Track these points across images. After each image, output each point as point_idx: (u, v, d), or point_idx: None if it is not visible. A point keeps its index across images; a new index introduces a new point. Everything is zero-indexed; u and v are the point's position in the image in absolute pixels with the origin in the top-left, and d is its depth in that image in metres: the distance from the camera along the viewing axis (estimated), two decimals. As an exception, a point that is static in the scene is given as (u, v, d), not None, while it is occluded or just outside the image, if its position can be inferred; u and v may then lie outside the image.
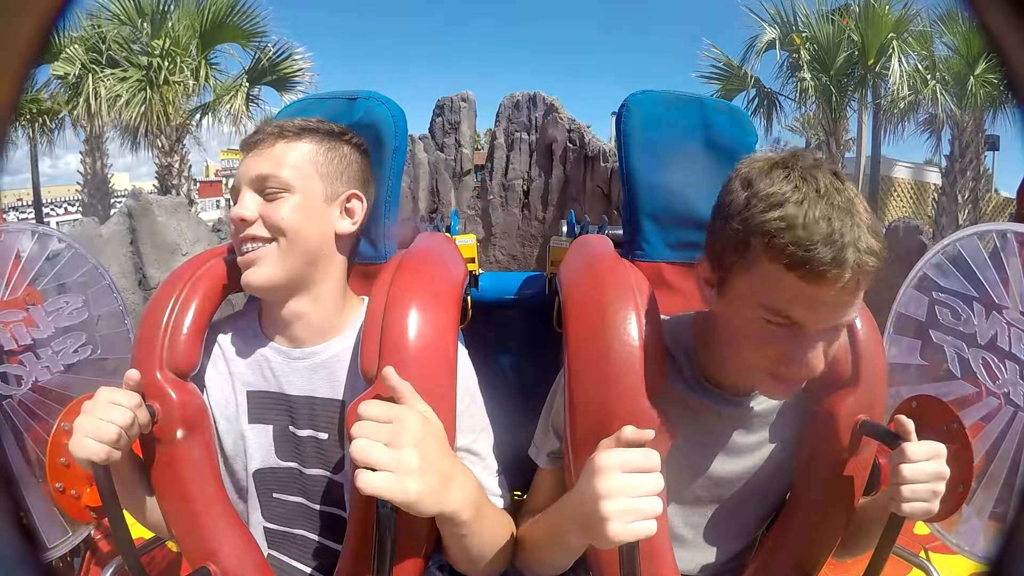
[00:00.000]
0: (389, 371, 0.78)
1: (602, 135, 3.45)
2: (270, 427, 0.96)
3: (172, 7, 7.85)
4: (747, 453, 0.91)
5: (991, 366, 1.20)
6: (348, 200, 0.95)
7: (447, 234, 1.36)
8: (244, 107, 8.31)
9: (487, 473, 0.92)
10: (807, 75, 8.79)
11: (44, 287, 1.25)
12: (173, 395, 0.89)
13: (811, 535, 0.92)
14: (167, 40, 7.74)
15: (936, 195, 10.40)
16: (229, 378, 0.97)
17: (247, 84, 8.38)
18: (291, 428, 0.95)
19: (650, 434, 0.73)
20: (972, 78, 8.26)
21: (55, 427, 1.12)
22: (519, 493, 1.08)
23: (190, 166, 8.83)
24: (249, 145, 0.93)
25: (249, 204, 0.90)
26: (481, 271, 1.42)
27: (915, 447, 0.80)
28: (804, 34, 8.86)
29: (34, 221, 9.57)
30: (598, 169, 3.23)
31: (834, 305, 0.72)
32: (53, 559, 1.20)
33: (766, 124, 9.50)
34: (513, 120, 3.42)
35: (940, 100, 8.56)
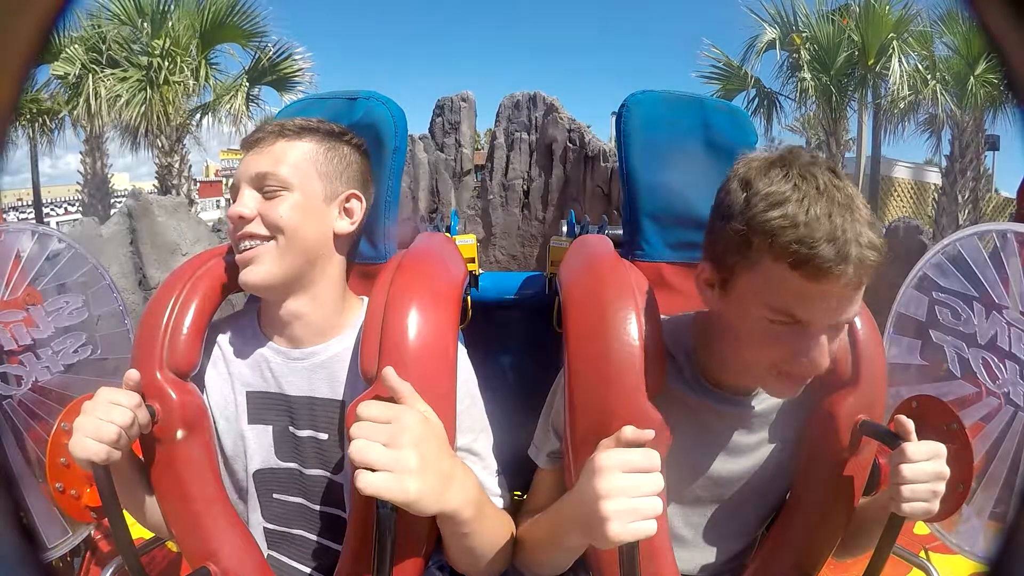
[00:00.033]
0: (388, 371, 0.78)
1: (602, 135, 3.45)
2: (270, 428, 0.96)
3: (172, 7, 7.85)
4: (747, 453, 0.91)
5: (991, 366, 1.20)
6: (347, 200, 0.95)
7: (447, 234, 1.36)
8: (244, 107, 8.31)
9: (487, 473, 0.92)
10: (807, 75, 8.79)
11: (44, 287, 1.25)
12: (173, 395, 0.89)
13: (811, 535, 0.92)
14: (167, 40, 7.74)
15: (936, 195, 10.40)
16: (228, 379, 0.97)
17: (247, 84, 8.38)
18: (291, 428, 0.95)
19: (650, 434, 0.73)
20: (972, 78, 8.26)
21: (55, 427, 1.12)
22: (519, 493, 1.08)
23: (190, 166, 8.84)
24: (249, 143, 0.93)
25: (248, 201, 0.90)
26: (481, 271, 1.42)
27: (915, 447, 0.80)
28: (804, 34, 8.86)
29: (34, 221, 9.56)
30: (598, 169, 3.23)
31: (838, 301, 0.72)
32: (53, 559, 1.20)
33: (766, 124, 9.51)
34: (513, 120, 3.42)
35: (940, 100, 8.56)
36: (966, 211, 9.14)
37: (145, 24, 7.78)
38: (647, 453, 0.72)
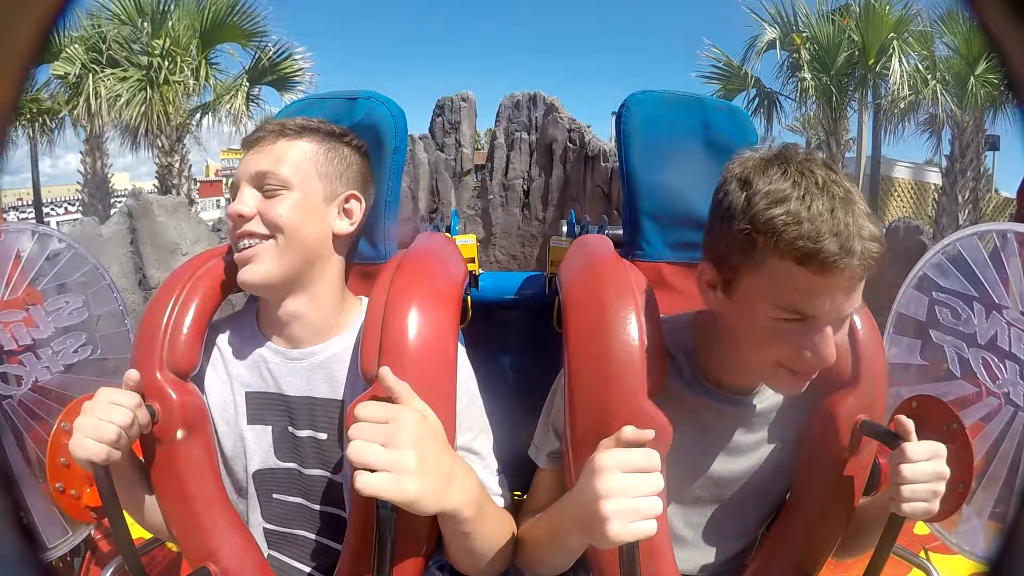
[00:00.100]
0: (385, 371, 0.78)
1: (602, 135, 3.46)
2: (269, 428, 0.96)
3: (172, 7, 7.85)
4: (747, 453, 0.91)
5: (991, 366, 1.20)
6: (347, 201, 0.95)
7: (447, 234, 1.36)
8: (244, 107, 8.31)
9: (487, 472, 0.92)
10: (807, 75, 8.79)
11: (44, 287, 1.25)
12: (173, 395, 0.89)
13: (811, 535, 0.92)
14: (167, 40, 7.74)
15: (936, 195, 10.40)
16: (227, 379, 0.97)
17: (247, 84, 8.38)
18: (290, 429, 0.95)
19: (650, 434, 0.73)
20: (972, 78, 8.25)
21: (55, 427, 1.12)
22: (519, 493, 1.08)
23: (190, 166, 8.83)
24: (250, 142, 0.93)
25: (248, 200, 0.90)
26: (481, 271, 1.42)
27: (915, 447, 0.80)
28: (804, 34, 8.86)
29: (34, 221, 9.56)
30: (598, 169, 3.23)
31: (843, 295, 0.73)
32: (53, 559, 1.20)
33: (766, 124, 9.50)
34: (513, 120, 3.42)
35: (940, 100, 8.56)
36: (966, 211, 9.14)
37: (145, 24, 7.78)
38: (647, 453, 0.72)
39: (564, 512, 0.80)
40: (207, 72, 8.19)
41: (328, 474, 0.94)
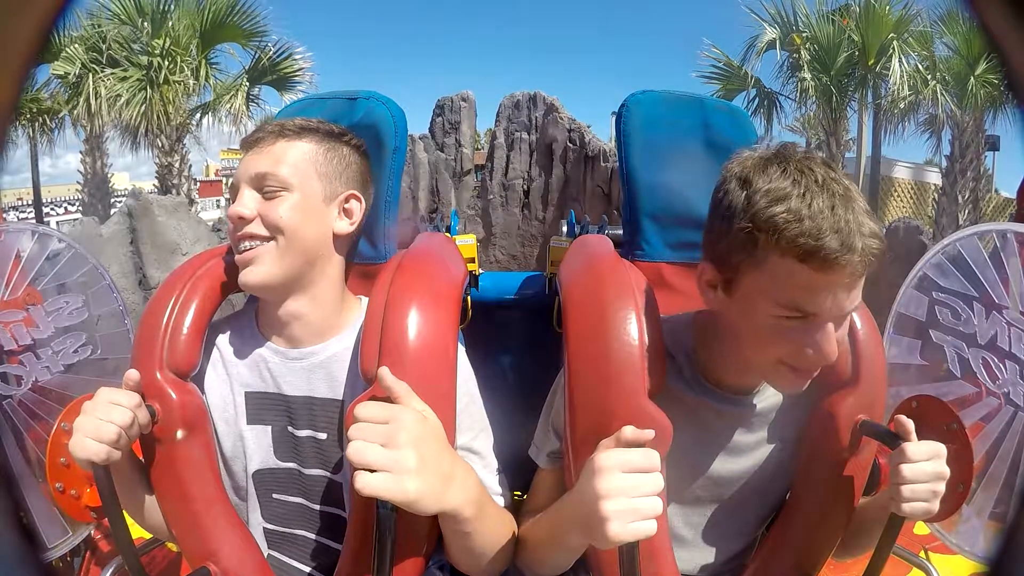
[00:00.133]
0: (384, 371, 0.78)
1: (602, 135, 3.46)
2: (269, 428, 0.96)
3: (172, 7, 7.85)
4: (747, 452, 0.91)
5: (991, 366, 1.20)
6: (346, 201, 0.95)
7: (447, 234, 1.36)
8: (244, 107, 8.31)
9: (487, 472, 0.92)
10: (807, 75, 8.79)
11: (44, 287, 1.25)
12: (173, 395, 0.89)
13: (811, 535, 0.92)
14: (167, 40, 7.74)
15: (936, 195, 10.40)
16: (227, 379, 0.97)
17: (247, 84, 8.38)
18: (290, 428, 0.95)
19: (650, 434, 0.73)
20: (972, 78, 8.25)
21: (55, 427, 1.12)
22: (519, 493, 1.08)
23: (190, 166, 8.83)
24: (249, 143, 0.93)
25: (248, 202, 0.90)
26: (481, 271, 1.42)
27: (915, 447, 0.80)
28: (804, 34, 8.86)
29: (34, 221, 9.57)
30: (598, 169, 3.23)
31: (846, 291, 0.73)
32: (53, 559, 1.20)
33: (766, 124, 9.49)
34: (513, 120, 3.42)
35: (940, 100, 8.56)
36: (966, 211, 9.14)
37: (145, 24, 7.78)
38: (647, 453, 0.72)
39: (564, 512, 0.80)
40: (207, 72, 8.19)
41: (328, 474, 0.94)
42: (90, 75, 7.58)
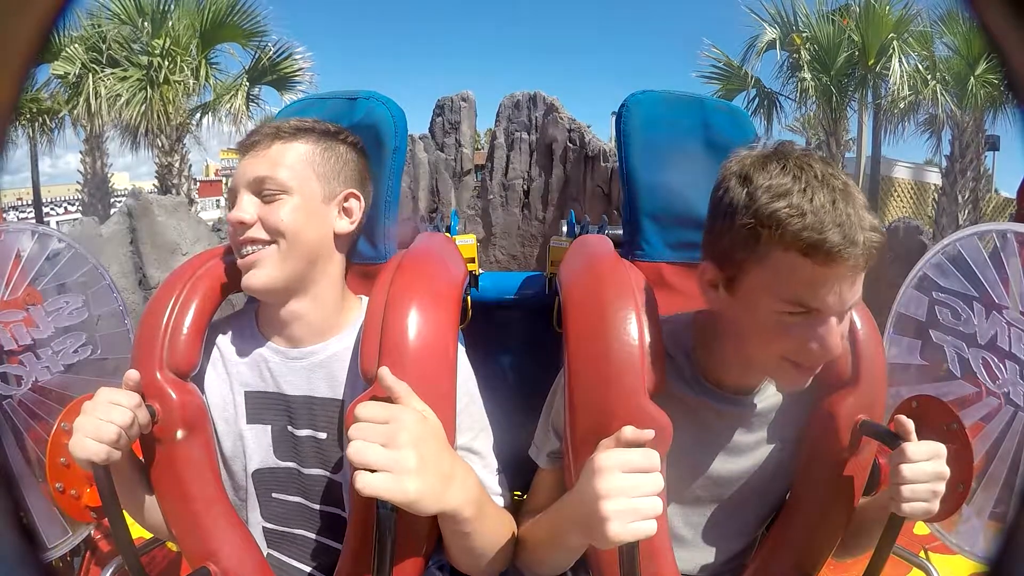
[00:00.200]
0: (384, 371, 0.78)
1: (602, 135, 3.46)
2: (268, 427, 0.96)
3: (172, 6, 7.85)
4: (747, 452, 0.91)
5: (991, 366, 1.20)
6: (346, 200, 0.95)
7: (447, 234, 1.36)
8: (244, 107, 8.31)
9: (487, 472, 0.92)
10: (807, 75, 8.79)
11: (44, 287, 1.25)
12: (173, 395, 0.89)
13: (811, 535, 0.92)
14: (167, 39, 7.74)
15: (936, 195, 10.40)
16: (227, 379, 0.97)
17: (247, 84, 8.38)
18: (289, 428, 0.95)
19: (650, 434, 0.73)
20: (972, 78, 8.25)
21: (55, 427, 1.12)
22: (519, 493, 1.08)
23: (190, 165, 8.83)
24: (245, 147, 0.93)
25: (247, 207, 0.89)
26: (481, 271, 1.42)
27: (915, 447, 0.80)
28: (804, 34, 8.85)
29: (34, 220, 9.57)
30: (598, 169, 3.23)
31: (848, 285, 0.74)
32: (53, 559, 1.20)
33: (766, 124, 9.49)
34: (513, 120, 3.42)
35: (940, 100, 8.56)
36: (966, 211, 9.14)
37: (145, 23, 7.78)
38: (647, 453, 0.72)
39: (564, 512, 0.80)
40: (207, 72, 8.19)
41: (328, 474, 0.94)
42: (90, 75, 7.58)
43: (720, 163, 0.84)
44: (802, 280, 0.73)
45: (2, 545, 0.40)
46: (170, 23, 7.81)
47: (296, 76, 8.49)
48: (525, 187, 3.39)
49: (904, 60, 8.46)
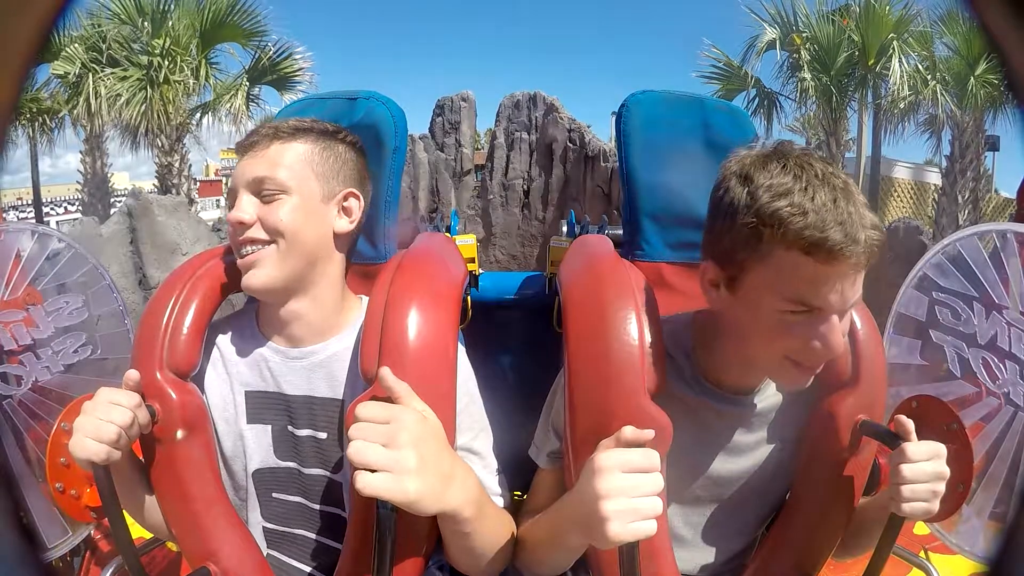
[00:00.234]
0: (385, 371, 0.78)
1: (602, 135, 3.46)
2: (269, 427, 0.96)
3: (172, 6, 7.85)
4: (747, 452, 0.91)
5: (991, 366, 1.20)
6: (345, 199, 0.95)
7: (447, 234, 1.36)
8: (244, 106, 8.31)
9: (487, 472, 0.92)
10: (807, 75, 8.79)
11: (44, 287, 1.25)
12: (173, 395, 0.89)
13: (811, 535, 0.92)
14: (167, 39, 7.74)
15: (936, 195, 10.40)
16: (227, 379, 0.97)
17: (247, 84, 8.38)
18: (290, 428, 0.95)
19: (650, 434, 0.73)
20: (972, 78, 8.25)
21: (55, 427, 1.12)
22: (519, 493, 1.08)
23: (190, 165, 8.83)
24: (244, 147, 0.93)
25: (247, 207, 0.90)
26: (481, 271, 1.42)
27: (915, 447, 0.80)
28: (804, 34, 8.85)
29: (34, 220, 9.57)
30: (598, 169, 3.23)
31: (850, 283, 0.74)
32: (53, 559, 1.20)
33: (766, 124, 9.50)
34: (513, 120, 3.42)
35: (940, 100, 8.56)
36: (966, 211, 9.14)
37: (145, 23, 7.78)
38: (647, 453, 0.72)
39: (564, 512, 0.80)
40: (207, 72, 8.19)
41: (328, 474, 0.94)
42: (90, 75, 7.58)
43: (720, 163, 0.84)
44: (804, 279, 0.73)
45: (2, 545, 0.40)
46: (170, 23, 7.81)
47: (296, 76, 8.50)
48: (525, 187, 3.39)
49: (904, 60, 8.47)
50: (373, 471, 0.71)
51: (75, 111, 7.93)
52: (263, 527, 0.97)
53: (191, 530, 0.91)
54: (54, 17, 0.39)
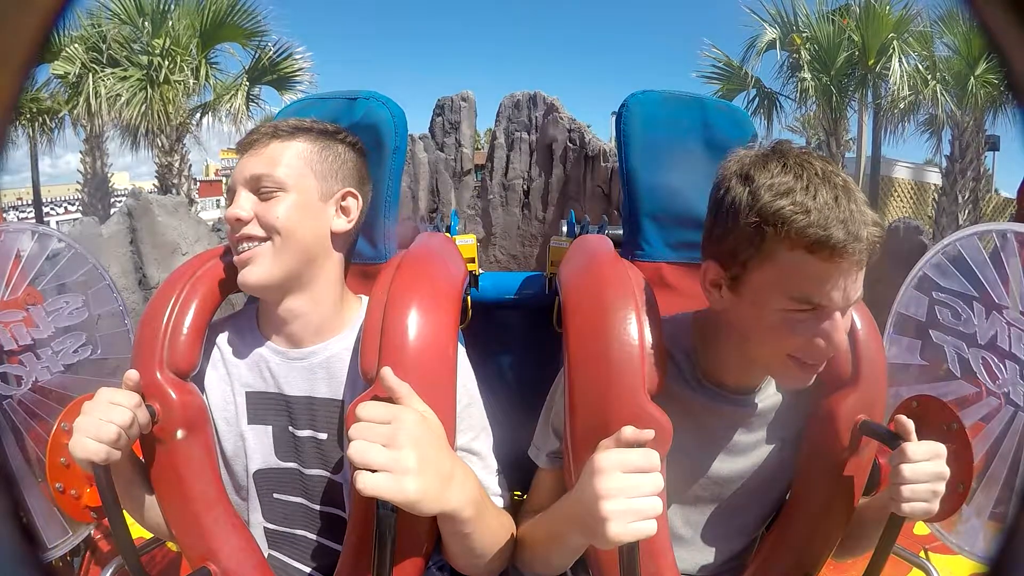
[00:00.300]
0: (386, 371, 0.78)
1: (602, 135, 3.45)
2: (269, 428, 0.96)
3: (172, 6, 7.86)
4: (747, 452, 0.91)
5: (991, 366, 1.20)
6: (343, 198, 0.95)
7: (447, 234, 1.36)
8: (244, 106, 8.32)
9: (487, 472, 0.92)
10: (807, 75, 8.79)
11: (44, 287, 1.25)
12: (173, 395, 0.89)
13: (811, 535, 0.92)
14: (167, 39, 7.74)
15: (936, 195, 10.40)
16: (228, 379, 0.97)
17: (247, 84, 8.38)
18: (290, 428, 0.95)
19: (650, 434, 0.73)
20: (972, 78, 8.25)
21: (55, 427, 1.12)
22: (519, 493, 1.08)
23: (190, 165, 8.83)
24: (244, 146, 0.94)
25: (244, 204, 0.90)
26: (481, 271, 1.42)
27: (915, 447, 0.80)
28: (804, 34, 8.86)
29: (34, 220, 9.57)
30: (598, 169, 3.23)
31: (852, 280, 0.75)
32: (53, 559, 1.20)
33: (766, 124, 9.50)
34: (513, 120, 3.42)
35: (940, 100, 8.56)
36: (966, 211, 9.14)
37: (145, 23, 7.78)
38: (647, 453, 0.72)
39: (564, 512, 0.80)
40: (207, 72, 8.20)
41: (328, 474, 0.94)
42: (90, 75, 7.58)
43: (720, 163, 0.84)
44: (808, 277, 0.74)
45: (2, 545, 0.40)
46: (170, 23, 7.81)
47: (296, 76, 8.50)
48: (525, 187, 3.39)
49: (904, 60, 8.47)
50: (373, 471, 0.71)
51: (75, 111, 7.94)
52: (264, 528, 0.97)
53: (191, 530, 0.91)
54: (54, 17, 0.39)
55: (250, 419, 0.96)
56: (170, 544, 1.11)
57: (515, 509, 0.95)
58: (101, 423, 0.79)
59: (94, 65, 7.63)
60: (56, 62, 7.50)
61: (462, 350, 0.95)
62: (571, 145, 3.28)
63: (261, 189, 0.90)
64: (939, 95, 8.52)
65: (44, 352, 1.22)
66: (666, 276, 1.11)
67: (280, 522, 0.97)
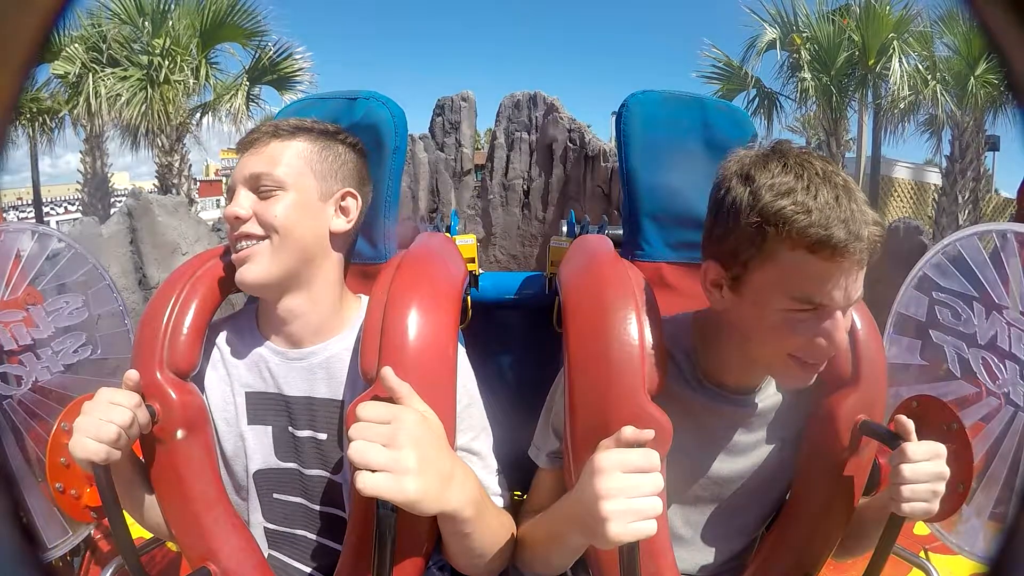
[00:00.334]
0: (387, 371, 0.78)
1: (602, 135, 3.45)
2: (269, 428, 0.96)
3: (172, 6, 7.86)
4: (747, 452, 0.91)
5: (991, 366, 1.20)
6: (343, 198, 0.95)
7: (447, 234, 1.36)
8: (244, 106, 8.32)
9: (487, 472, 0.92)
10: (807, 75, 8.80)
11: (44, 287, 1.25)
12: (173, 395, 0.89)
13: (811, 535, 0.92)
14: (167, 39, 7.74)
15: (936, 195, 10.40)
16: (228, 380, 0.97)
17: (247, 84, 8.39)
18: (290, 429, 0.95)
19: (650, 434, 0.73)
20: (972, 79, 8.25)
21: (55, 427, 1.12)
22: (519, 493, 1.08)
23: (190, 165, 8.83)
24: (244, 145, 0.94)
25: (243, 202, 0.90)
26: (481, 271, 1.42)
27: (915, 447, 0.80)
28: (804, 34, 8.86)
29: (34, 220, 9.57)
30: (598, 169, 3.22)
31: (853, 279, 0.75)
32: (53, 559, 1.20)
33: (766, 124, 9.50)
34: (513, 120, 3.42)
35: (940, 100, 8.56)
36: (966, 211, 9.14)
37: (145, 23, 7.79)
38: (647, 453, 0.72)
39: (564, 512, 0.80)
40: (207, 72, 8.20)
41: (328, 474, 0.94)
42: (90, 75, 7.58)
43: (720, 163, 0.84)
44: (809, 276, 0.74)
45: (2, 545, 0.40)
46: (170, 23, 7.81)
47: (296, 76, 8.50)
48: (525, 187, 3.39)
49: (904, 60, 8.47)
50: (373, 471, 0.71)
51: (75, 111, 7.94)
52: (264, 528, 0.97)
53: (191, 530, 0.91)
54: (54, 17, 0.39)
55: (250, 419, 0.96)
56: (170, 544, 1.11)
57: (515, 509, 0.95)
58: (101, 423, 0.79)
59: (94, 65, 7.64)
60: (56, 62, 7.50)
61: (462, 350, 0.95)
62: (571, 145, 3.28)
63: (260, 188, 0.90)
64: (939, 95, 8.52)
65: (44, 352, 1.22)
66: (666, 276, 1.11)
67: (280, 522, 0.97)
